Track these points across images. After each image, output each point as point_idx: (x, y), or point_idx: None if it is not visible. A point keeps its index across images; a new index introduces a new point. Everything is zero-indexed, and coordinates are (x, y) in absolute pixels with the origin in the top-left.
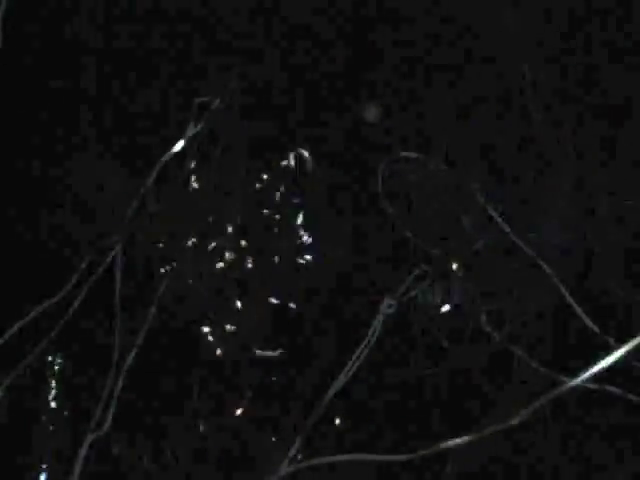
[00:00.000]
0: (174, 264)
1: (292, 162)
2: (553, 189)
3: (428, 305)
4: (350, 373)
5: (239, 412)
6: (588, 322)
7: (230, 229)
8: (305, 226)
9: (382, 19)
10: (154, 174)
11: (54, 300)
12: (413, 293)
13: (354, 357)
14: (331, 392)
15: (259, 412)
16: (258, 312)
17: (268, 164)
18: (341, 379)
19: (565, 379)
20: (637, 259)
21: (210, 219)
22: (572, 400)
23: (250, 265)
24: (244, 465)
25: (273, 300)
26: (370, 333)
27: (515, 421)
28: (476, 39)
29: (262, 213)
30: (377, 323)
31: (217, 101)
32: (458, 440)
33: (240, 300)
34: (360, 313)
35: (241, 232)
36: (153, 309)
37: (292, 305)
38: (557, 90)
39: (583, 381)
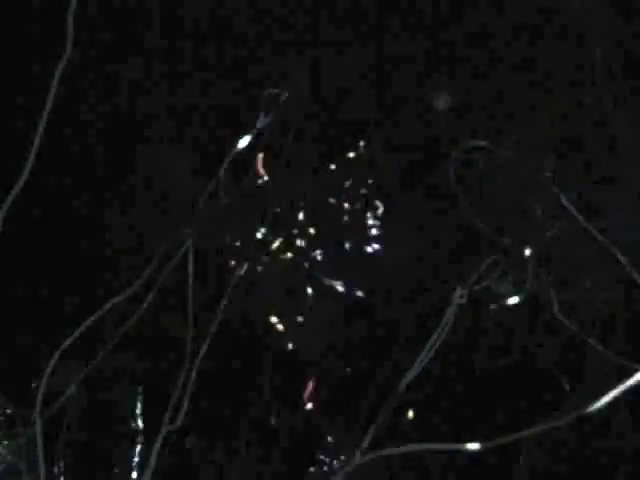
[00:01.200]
0: (245, 256)
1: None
2: (625, 176)
3: (500, 294)
4: (423, 364)
5: (310, 405)
6: None
7: (301, 218)
8: (375, 215)
9: (453, 8)
10: (225, 166)
11: (127, 294)
12: (485, 283)
13: (426, 347)
14: (404, 383)
15: (331, 404)
16: (328, 302)
17: (338, 153)
18: (414, 370)
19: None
20: None
21: (280, 210)
22: None
23: (319, 256)
24: (315, 457)
25: (342, 290)
26: (442, 323)
27: (589, 411)
28: (549, 26)
29: (331, 202)
30: (449, 313)
31: (286, 93)
32: (532, 430)
33: (310, 290)
34: (432, 303)
35: (311, 222)
36: (224, 302)
37: (362, 295)
38: (629, 76)
39: None
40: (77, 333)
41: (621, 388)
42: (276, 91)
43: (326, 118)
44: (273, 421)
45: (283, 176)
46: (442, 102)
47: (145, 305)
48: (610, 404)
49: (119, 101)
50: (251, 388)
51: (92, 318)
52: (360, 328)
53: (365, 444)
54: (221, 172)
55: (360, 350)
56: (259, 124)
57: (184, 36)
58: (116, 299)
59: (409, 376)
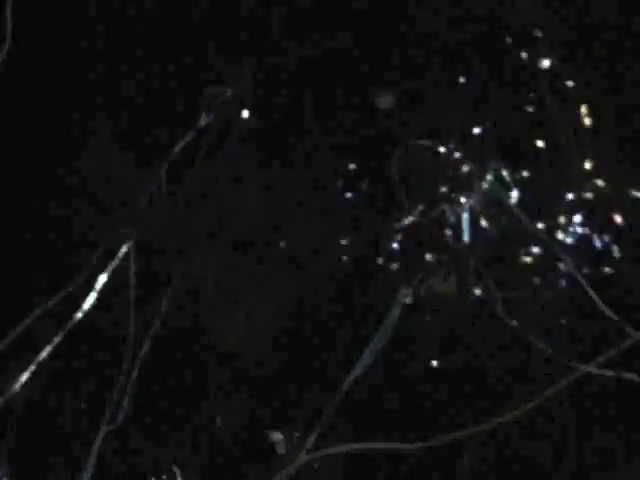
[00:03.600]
0: (186, 257)
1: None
2: (568, 177)
3: (443, 294)
4: (365, 364)
5: (253, 404)
6: (605, 309)
7: (244, 221)
8: (314, 215)
9: (396, 7)
10: (165, 166)
11: (63, 294)
12: (429, 282)
13: (369, 347)
14: (346, 383)
15: (274, 404)
16: (270, 304)
17: (280, 156)
18: (357, 370)
19: (579, 365)
20: None
21: (222, 211)
22: (593, 389)
23: (264, 257)
24: (260, 457)
25: (285, 291)
26: (386, 323)
27: (528, 409)
28: (492, 24)
29: (274, 205)
30: (393, 313)
31: (229, 91)
32: (470, 430)
33: (253, 292)
34: (375, 303)
35: (254, 219)
36: (165, 302)
37: (304, 296)
38: (573, 76)
39: (598, 368)
40: (14, 335)
41: (559, 386)
42: (218, 90)
43: (269, 117)
44: (218, 422)
45: (225, 176)
46: (386, 101)
47: (84, 305)
48: (554, 403)
49: (60, 99)
50: (195, 389)
51: (28, 321)
52: (303, 328)
53: (309, 444)
54: (162, 171)
55: (303, 350)
56: (200, 123)
57: (123, 34)
58: (52, 302)
59: (352, 376)
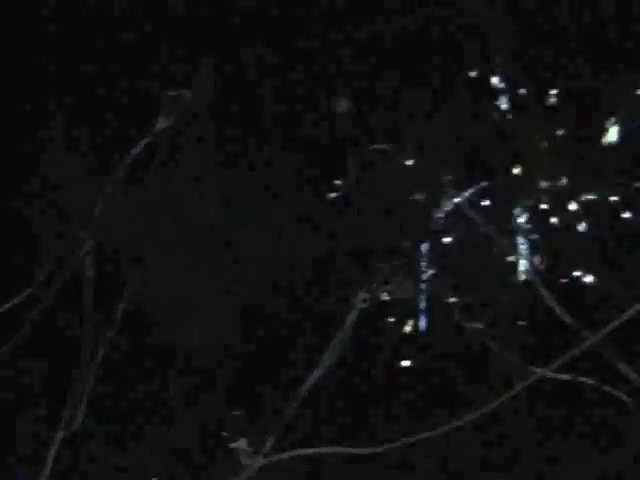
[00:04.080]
0: (143, 260)
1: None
2: (524, 181)
3: (400, 299)
4: (324, 368)
5: (213, 408)
6: (562, 313)
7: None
8: (273, 219)
9: (350, 11)
10: (123, 169)
11: (19, 298)
12: (386, 288)
13: (328, 352)
14: (305, 387)
15: (233, 407)
16: (228, 307)
17: (238, 158)
18: (315, 374)
19: (535, 369)
20: (608, 252)
21: (179, 215)
22: (551, 393)
23: (223, 259)
24: (219, 460)
25: (243, 295)
26: (344, 328)
27: (485, 411)
28: (447, 29)
29: (233, 208)
30: (351, 318)
31: (189, 94)
32: (427, 433)
33: (211, 295)
34: (333, 308)
35: (214, 221)
36: (122, 305)
37: (262, 301)
38: (528, 81)
39: (554, 371)
40: None
41: (517, 388)
42: (177, 92)
43: (229, 119)
44: (177, 424)
45: (185, 178)
46: (343, 105)
47: (39, 309)
48: (510, 406)
49: (15, 100)
50: (154, 393)
51: None
52: (261, 332)
53: (267, 447)
54: (119, 174)
55: (262, 355)
56: (159, 126)
57: (81, 36)
58: (7, 305)
59: (311, 380)
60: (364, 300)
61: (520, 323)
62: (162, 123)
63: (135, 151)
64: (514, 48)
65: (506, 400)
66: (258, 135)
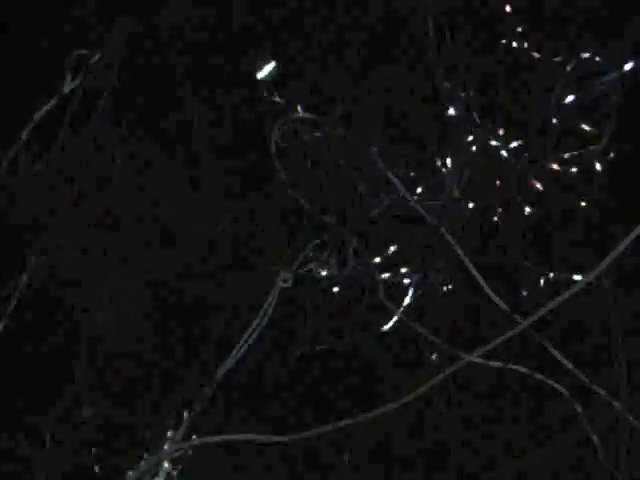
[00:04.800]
0: (46, 231)
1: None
2: (458, 154)
3: (324, 278)
4: (242, 351)
5: (122, 392)
6: (494, 297)
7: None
8: (187, 191)
9: None
10: (25, 134)
11: None
12: (310, 266)
13: (246, 334)
14: (221, 371)
15: (143, 393)
16: (138, 285)
17: (153, 125)
18: (232, 357)
19: (464, 355)
20: (543, 231)
21: (86, 184)
22: (481, 380)
23: (132, 233)
24: (127, 448)
25: (155, 272)
26: (264, 308)
27: (409, 399)
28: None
29: (144, 179)
30: (271, 298)
31: (97, 55)
32: (350, 420)
33: (119, 271)
34: (253, 287)
35: (122, 197)
36: (24, 278)
37: (176, 278)
38: (462, 47)
39: (483, 357)
40: None
41: (440, 377)
42: (85, 53)
43: (142, 84)
44: (84, 412)
45: (94, 145)
46: (266, 71)
47: None
48: (436, 393)
49: None
50: (58, 377)
51: None
52: (175, 311)
53: (179, 435)
54: (20, 141)
55: (174, 336)
56: (65, 89)
57: None
58: None
59: (226, 365)
60: (285, 280)
61: (449, 305)
62: (68, 86)
63: (38, 115)
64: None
65: (432, 387)
66: (174, 101)
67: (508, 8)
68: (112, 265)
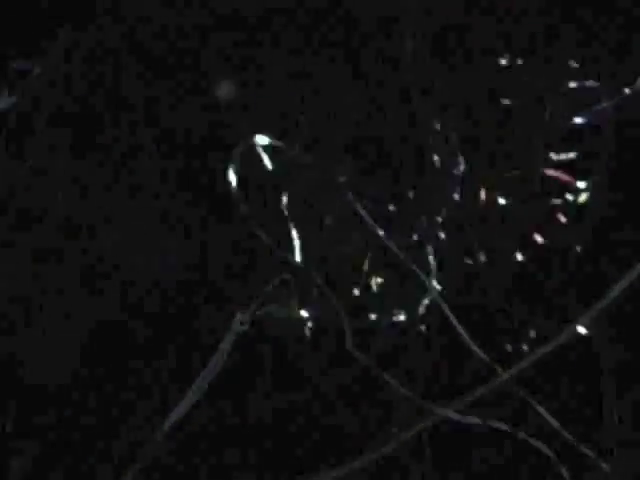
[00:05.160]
0: None
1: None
2: (435, 187)
3: (285, 321)
4: (191, 402)
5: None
6: (472, 345)
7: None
8: (135, 220)
9: None
10: None
11: None
12: (270, 307)
13: (196, 383)
14: (168, 424)
15: (81, 445)
16: (78, 323)
17: (96, 144)
18: (181, 409)
19: (437, 409)
20: (526, 273)
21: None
22: (457, 438)
23: (70, 266)
24: None
25: (96, 310)
26: (217, 355)
27: (377, 456)
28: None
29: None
30: (226, 343)
31: (37, 68)
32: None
33: (58, 307)
34: (205, 331)
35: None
36: None
37: (121, 317)
38: (443, 70)
39: (459, 412)
40: None
41: (411, 432)
42: (25, 64)
43: (86, 100)
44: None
45: (32, 167)
46: (225, 91)
47: None
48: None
49: None
50: None
51: None
52: (117, 355)
53: None
54: None
55: (116, 382)
56: (2, 103)
57: None
58: None
59: (175, 415)
60: (242, 323)
61: (422, 353)
62: (3, 102)
63: None
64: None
65: (402, 443)
66: (121, 120)
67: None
68: (44, 303)
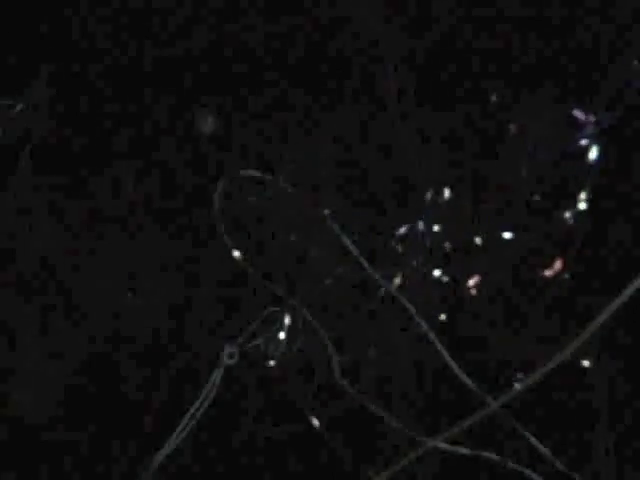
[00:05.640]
0: None
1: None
2: (420, 217)
3: (271, 355)
4: (179, 438)
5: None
6: (461, 375)
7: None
8: (118, 254)
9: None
10: None
11: None
12: (257, 341)
13: (185, 419)
14: (155, 462)
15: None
16: (57, 366)
17: (81, 183)
18: (168, 446)
19: (427, 440)
20: (517, 302)
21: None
22: (447, 469)
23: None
24: None
25: (81, 345)
26: (206, 389)
27: None
28: (335, 36)
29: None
30: (215, 377)
31: (20, 105)
32: None
33: (39, 344)
34: (193, 365)
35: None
36: None
37: (105, 351)
38: (427, 97)
39: (449, 442)
40: None
41: (401, 464)
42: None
43: (69, 136)
44: None
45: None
46: (208, 125)
47: None
48: None
49: None
50: None
51: None
52: (103, 390)
53: None
54: None
55: (103, 418)
56: None
57: None
58: None
59: (163, 452)
60: (231, 356)
61: (410, 383)
62: None
63: None
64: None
65: (392, 475)
66: (104, 156)
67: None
68: (30, 340)
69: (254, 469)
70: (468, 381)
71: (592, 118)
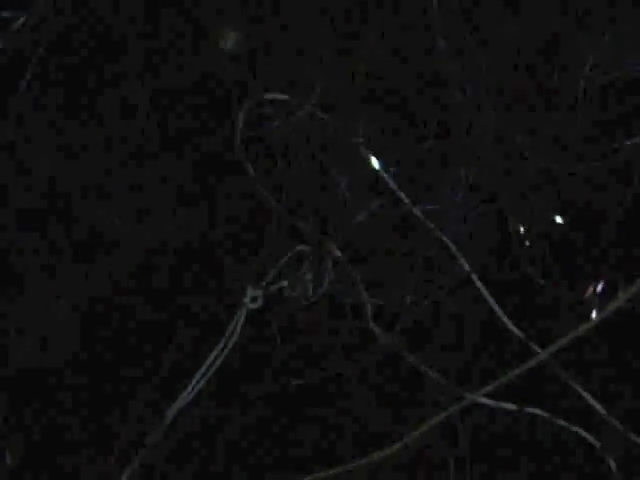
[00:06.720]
0: None
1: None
2: (463, 149)
3: (298, 297)
4: (201, 383)
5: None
6: (507, 321)
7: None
8: (125, 186)
9: None
10: None
11: None
12: (284, 282)
13: (206, 364)
14: (176, 406)
15: (78, 435)
16: (65, 309)
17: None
18: (189, 391)
19: (467, 394)
20: (566, 242)
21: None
22: (489, 425)
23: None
24: None
25: (91, 285)
26: (228, 334)
27: (399, 447)
28: None
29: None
30: (237, 321)
31: (22, 18)
32: (329, 472)
33: (41, 290)
34: (214, 308)
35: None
36: None
37: (116, 292)
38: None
39: (490, 397)
40: None
41: (437, 419)
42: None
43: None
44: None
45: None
46: (231, 42)
47: None
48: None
49: None
50: None
51: None
52: (112, 339)
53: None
54: None
55: (117, 365)
56: None
57: None
58: None
59: (181, 400)
60: (254, 299)
61: (450, 331)
62: None
63: None
64: None
65: (428, 431)
66: (112, 76)
67: None
68: (34, 279)
69: (276, 424)
70: (514, 328)
71: None
